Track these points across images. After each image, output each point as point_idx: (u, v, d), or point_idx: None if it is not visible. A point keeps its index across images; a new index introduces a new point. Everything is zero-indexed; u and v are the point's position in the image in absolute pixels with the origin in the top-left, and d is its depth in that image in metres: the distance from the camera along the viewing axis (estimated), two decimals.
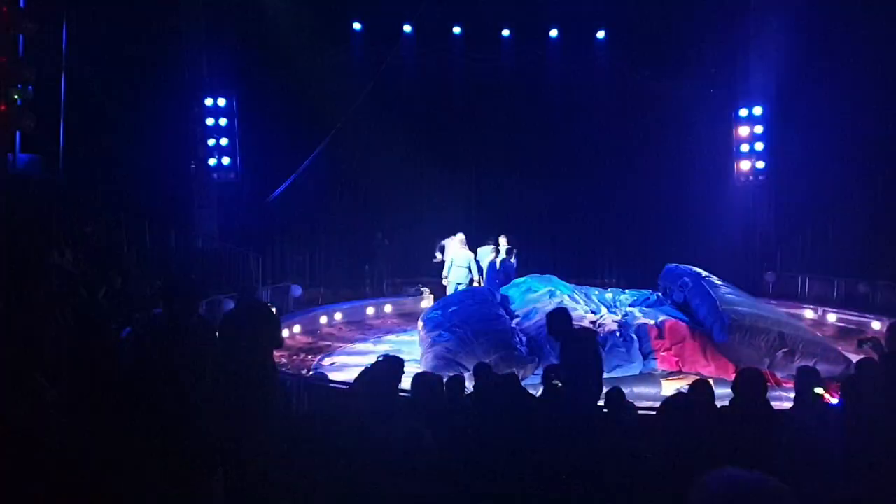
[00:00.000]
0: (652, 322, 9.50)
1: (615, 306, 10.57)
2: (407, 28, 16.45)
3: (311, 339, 12.31)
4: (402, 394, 5.02)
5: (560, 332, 5.86)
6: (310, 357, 10.95)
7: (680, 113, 16.43)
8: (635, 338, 9.15)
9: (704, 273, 10.73)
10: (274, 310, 9.75)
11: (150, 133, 13.19)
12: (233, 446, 4.20)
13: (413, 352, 9.91)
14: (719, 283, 10.43)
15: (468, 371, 7.59)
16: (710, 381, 5.37)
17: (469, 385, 5.90)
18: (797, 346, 8.82)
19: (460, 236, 13.45)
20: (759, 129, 16.35)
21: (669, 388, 8.18)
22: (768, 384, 5.02)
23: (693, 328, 9.40)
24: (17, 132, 11.21)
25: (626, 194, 16.92)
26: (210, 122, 15.23)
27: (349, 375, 7.22)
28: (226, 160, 15.39)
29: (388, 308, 14.85)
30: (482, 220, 15.67)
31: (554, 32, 17.17)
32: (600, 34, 17.18)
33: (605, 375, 8.37)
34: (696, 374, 8.20)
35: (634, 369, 8.85)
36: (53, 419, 3.60)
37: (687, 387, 5.39)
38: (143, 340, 5.30)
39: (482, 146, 17.21)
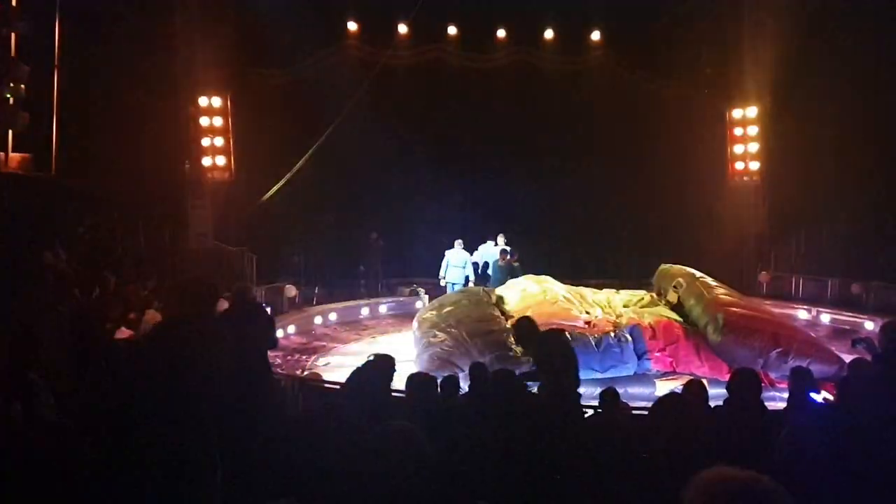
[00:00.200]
0: (646, 323, 9.52)
1: (609, 307, 10.59)
2: (402, 28, 16.43)
3: (306, 340, 12.30)
4: (396, 394, 5.01)
5: (529, 340, 5.90)
6: (304, 357, 10.94)
7: (674, 113, 16.47)
8: (629, 338, 9.17)
9: (698, 273, 10.75)
10: (269, 310, 9.77)
11: (144, 132, 13.14)
12: (227, 447, 4.19)
13: (408, 352, 9.91)
14: (713, 283, 10.46)
15: (463, 371, 7.59)
16: (704, 381, 5.38)
17: (464, 385, 5.90)
18: (791, 347, 8.84)
19: (458, 242, 13.69)
20: (752, 129, 16.41)
21: (664, 388, 8.19)
22: (762, 384, 5.03)
23: (687, 329, 9.43)
24: (10, 131, 11.16)
25: (620, 195, 16.94)
26: (204, 121, 15.19)
27: (344, 376, 7.20)
28: (220, 160, 15.35)
29: (382, 308, 14.85)
30: (476, 219, 15.67)
31: (549, 33, 17.20)
32: (595, 35, 17.21)
33: (600, 376, 8.47)
34: (690, 375, 8.22)
35: (629, 370, 8.88)
36: (49, 421, 3.59)
37: (681, 387, 5.40)
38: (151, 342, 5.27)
39: (477, 146, 17.20)
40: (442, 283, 13.86)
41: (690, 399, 4.64)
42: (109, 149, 12.78)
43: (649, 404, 5.15)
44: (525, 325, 6.03)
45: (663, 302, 10.70)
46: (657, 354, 9.03)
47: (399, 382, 4.98)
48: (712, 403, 4.77)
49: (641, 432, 4.28)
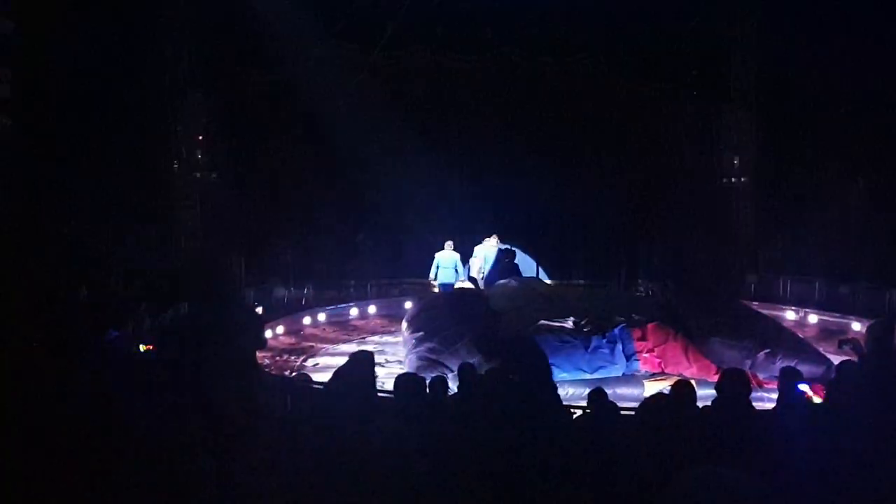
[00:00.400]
0: (635, 323, 9.54)
1: (599, 307, 10.59)
2: (392, 26, 16.38)
3: (295, 340, 12.25)
4: (384, 394, 5.00)
5: (495, 347, 5.91)
6: (293, 358, 10.90)
7: (662, 115, 16.51)
8: (618, 339, 9.18)
9: (686, 275, 10.80)
10: (259, 310, 9.73)
11: (133, 131, 13.07)
12: (217, 447, 4.18)
13: (397, 353, 9.90)
14: (701, 284, 10.51)
15: (452, 372, 7.59)
16: (692, 381, 5.39)
17: (453, 386, 5.90)
18: (779, 347, 8.89)
19: (449, 244, 13.63)
20: (742, 132, 16.46)
21: (652, 389, 8.20)
22: (751, 385, 5.05)
23: (675, 329, 9.45)
24: None
25: (609, 196, 16.95)
26: (193, 120, 15.09)
27: None
28: (208, 159, 15.26)
29: (372, 309, 14.81)
30: (468, 219, 15.64)
31: (539, 33, 17.19)
32: (587, 37, 17.21)
33: (588, 377, 8.49)
34: (678, 375, 8.23)
35: (617, 370, 8.88)
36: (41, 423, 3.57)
37: (669, 388, 5.41)
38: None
39: (468, 146, 17.19)
40: (433, 285, 13.72)
41: (678, 400, 4.65)
42: (97, 148, 12.70)
43: (637, 405, 5.19)
44: (484, 339, 6.00)
45: (652, 302, 10.72)
46: (646, 355, 9.04)
47: (388, 384, 4.97)
48: (700, 404, 4.78)
49: (629, 432, 4.29)
